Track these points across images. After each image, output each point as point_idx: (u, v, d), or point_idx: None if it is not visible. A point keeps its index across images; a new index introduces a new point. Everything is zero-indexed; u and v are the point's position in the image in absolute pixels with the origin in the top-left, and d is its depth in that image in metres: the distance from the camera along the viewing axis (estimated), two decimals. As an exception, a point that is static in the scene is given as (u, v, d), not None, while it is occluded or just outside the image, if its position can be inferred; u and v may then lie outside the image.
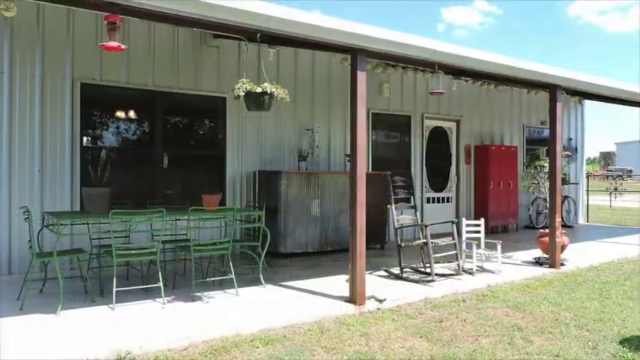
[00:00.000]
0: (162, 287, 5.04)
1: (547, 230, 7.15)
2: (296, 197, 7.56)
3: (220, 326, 4.25)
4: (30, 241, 4.97)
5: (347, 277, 5.44)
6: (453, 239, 6.34)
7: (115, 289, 4.78)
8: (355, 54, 5.12)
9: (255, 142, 8.08)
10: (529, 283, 6.12)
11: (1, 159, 6.15)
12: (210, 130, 7.92)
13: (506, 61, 6.43)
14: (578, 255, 7.90)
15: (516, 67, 6.55)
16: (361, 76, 5.11)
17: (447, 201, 10.78)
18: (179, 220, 5.98)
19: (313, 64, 8.72)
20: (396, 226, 6.39)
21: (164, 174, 7.36)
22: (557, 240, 6.95)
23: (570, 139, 13.10)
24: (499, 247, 6.73)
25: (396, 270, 6.44)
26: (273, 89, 5.41)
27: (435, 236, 6.45)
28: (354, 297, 5.07)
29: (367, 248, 5.29)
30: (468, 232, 6.77)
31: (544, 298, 5.41)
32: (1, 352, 3.64)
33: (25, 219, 4.99)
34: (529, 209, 11.78)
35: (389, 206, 6.59)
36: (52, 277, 5.33)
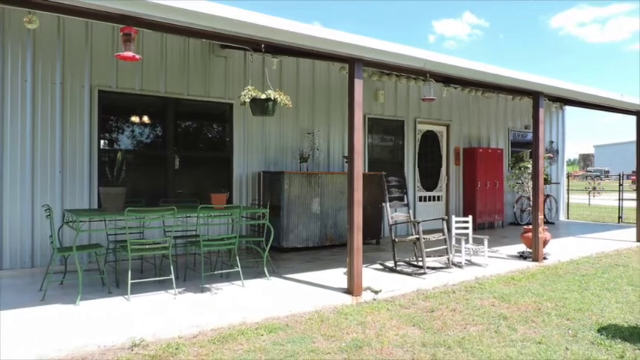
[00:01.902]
0: (173, 279, 5.05)
1: (530, 226, 7.16)
2: (298, 196, 7.57)
3: (227, 315, 4.25)
4: (51, 236, 4.98)
5: (345, 270, 5.45)
6: (443, 235, 6.34)
7: (130, 281, 4.79)
8: (352, 63, 5.12)
9: (260, 145, 8.09)
10: (514, 275, 6.13)
11: (24, 161, 6.16)
12: (218, 133, 7.92)
13: (494, 70, 6.43)
14: (559, 249, 7.91)
15: (503, 76, 6.55)
16: (358, 84, 5.11)
17: (438, 199, 10.78)
18: (189, 217, 6.00)
19: (313, 73, 8.72)
20: (391, 223, 6.39)
21: (175, 174, 7.36)
22: (539, 236, 6.96)
23: (552, 142, 13.11)
24: (486, 242, 6.75)
25: (390, 263, 6.45)
26: (277, 96, 5.42)
27: (426, 232, 6.45)
28: (352, 288, 5.07)
29: (364, 243, 5.30)
30: (457, 228, 6.77)
31: (528, 289, 5.42)
32: (24, 339, 3.65)
33: (47, 216, 5.00)
34: (514, 207, 11.80)
35: (384, 204, 6.59)
36: (71, 270, 5.36)
